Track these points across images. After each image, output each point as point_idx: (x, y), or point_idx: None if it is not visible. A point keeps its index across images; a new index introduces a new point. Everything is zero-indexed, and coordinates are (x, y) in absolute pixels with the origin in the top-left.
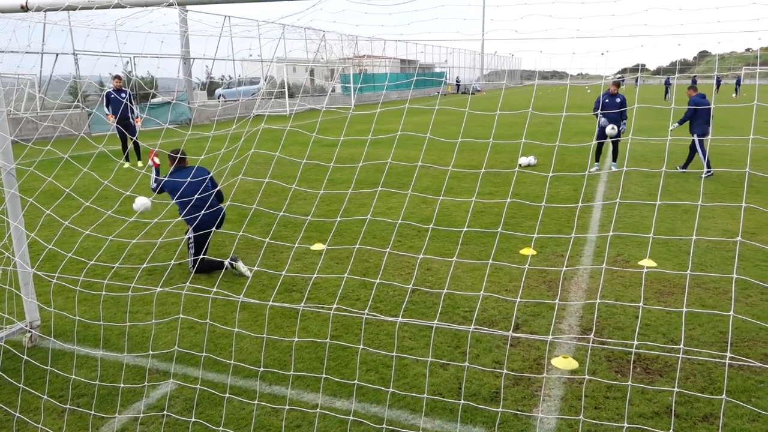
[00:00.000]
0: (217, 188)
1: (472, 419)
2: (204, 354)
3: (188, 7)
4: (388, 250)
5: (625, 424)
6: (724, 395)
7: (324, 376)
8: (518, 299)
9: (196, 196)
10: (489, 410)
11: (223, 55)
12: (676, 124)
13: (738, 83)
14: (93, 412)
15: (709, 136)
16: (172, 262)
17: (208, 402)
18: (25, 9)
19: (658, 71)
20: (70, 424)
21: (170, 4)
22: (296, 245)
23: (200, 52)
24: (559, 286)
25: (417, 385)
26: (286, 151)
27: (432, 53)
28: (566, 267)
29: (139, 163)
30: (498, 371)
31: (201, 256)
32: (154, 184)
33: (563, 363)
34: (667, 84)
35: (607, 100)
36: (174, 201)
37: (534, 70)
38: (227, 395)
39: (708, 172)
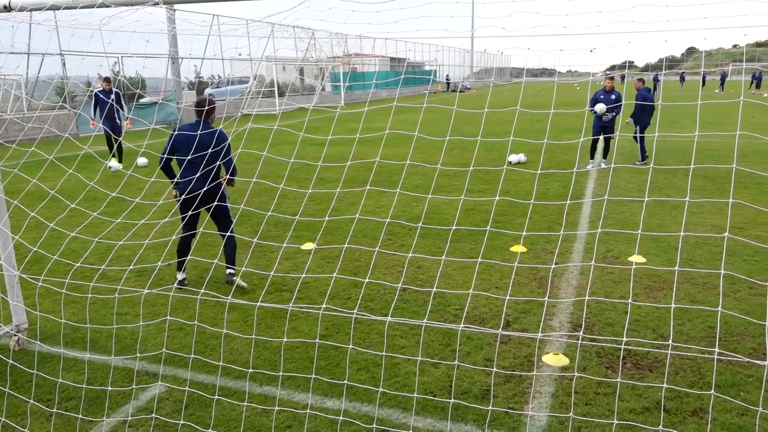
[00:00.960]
0: (229, 157)
1: (463, 417)
2: (192, 356)
3: (176, 6)
4: (377, 249)
5: (615, 421)
6: (713, 390)
7: (313, 376)
8: (507, 297)
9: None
10: (480, 408)
11: (212, 54)
12: (630, 119)
13: (723, 79)
14: (80, 416)
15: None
16: (159, 263)
17: (198, 404)
18: (8, 9)
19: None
20: (58, 428)
21: (155, 3)
22: (285, 245)
23: (189, 51)
24: (548, 283)
25: (408, 384)
26: (276, 151)
27: (422, 51)
28: (555, 264)
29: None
30: (489, 369)
31: (190, 232)
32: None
33: (554, 360)
34: (656, 80)
35: (602, 96)
36: (170, 156)
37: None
38: (216, 397)
39: (643, 161)
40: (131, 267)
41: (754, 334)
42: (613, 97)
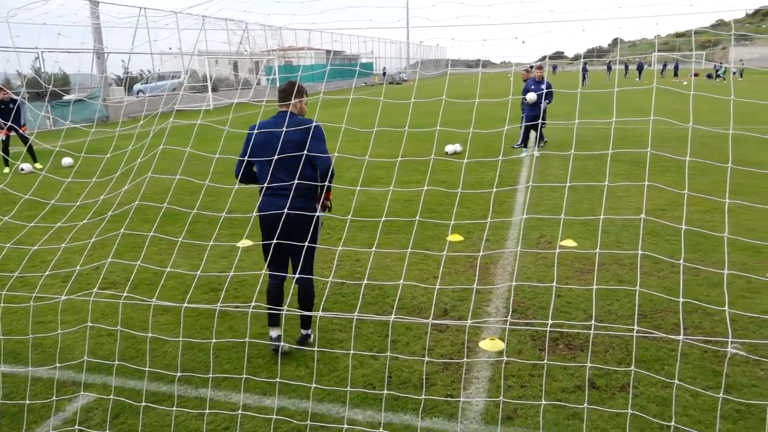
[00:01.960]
0: (327, 163)
1: (402, 407)
2: (116, 362)
3: None
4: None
5: (543, 402)
6: (633, 366)
7: (245, 376)
8: (437, 286)
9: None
10: (419, 398)
11: (141, 49)
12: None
13: (640, 68)
14: None
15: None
16: (78, 267)
17: (130, 411)
18: None
19: (576, 58)
20: None
21: None
22: (213, 242)
23: (116, 45)
24: (477, 271)
25: (347, 378)
26: (208, 147)
27: (358, 43)
28: (482, 252)
29: (38, 165)
30: (427, 359)
31: (281, 274)
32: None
33: (490, 345)
34: (584, 71)
35: (532, 87)
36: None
37: (458, 59)
38: (144, 403)
39: (520, 144)
40: (47, 272)
41: (676, 309)
42: (543, 86)
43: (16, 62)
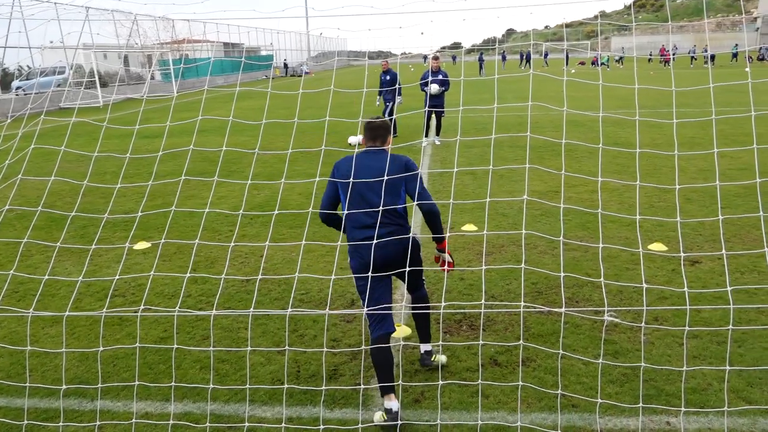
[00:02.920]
0: (427, 199)
1: (312, 400)
2: None
3: None
4: (215, 242)
5: (440, 382)
6: (521, 341)
7: (137, 383)
8: (332, 276)
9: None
10: (328, 389)
11: (17, 42)
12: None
13: (528, 57)
14: None
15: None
16: None
17: None
18: None
19: (472, 48)
20: None
21: None
22: (102, 245)
23: None
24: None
25: (255, 375)
26: (102, 146)
27: (257, 36)
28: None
29: None
30: (325, 349)
31: (387, 331)
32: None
33: (397, 331)
34: (481, 60)
35: (430, 77)
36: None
37: (360, 51)
38: (26, 422)
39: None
40: None
41: (568, 285)
42: (440, 77)
43: None
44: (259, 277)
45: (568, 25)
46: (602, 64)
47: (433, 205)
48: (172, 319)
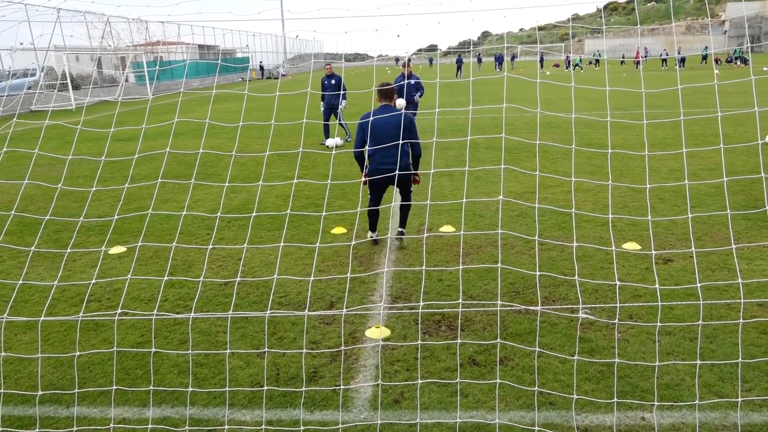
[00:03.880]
0: (416, 140)
1: (291, 402)
2: None
3: None
4: (192, 245)
5: (419, 381)
6: (498, 339)
7: (114, 387)
8: (311, 278)
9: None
10: (302, 391)
11: None
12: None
13: (500, 60)
14: None
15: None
16: None
17: None
18: None
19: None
20: None
21: None
22: (76, 250)
23: None
24: (349, 261)
25: (234, 379)
26: (74, 149)
27: (232, 38)
28: (354, 241)
29: None
30: (305, 350)
31: (374, 208)
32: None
33: (376, 333)
34: (459, 62)
35: (402, 81)
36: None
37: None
38: (0, 429)
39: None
40: None
41: (545, 284)
42: (412, 81)
43: None
44: (238, 279)
45: (541, 28)
46: (576, 65)
47: (419, 150)
48: (149, 324)
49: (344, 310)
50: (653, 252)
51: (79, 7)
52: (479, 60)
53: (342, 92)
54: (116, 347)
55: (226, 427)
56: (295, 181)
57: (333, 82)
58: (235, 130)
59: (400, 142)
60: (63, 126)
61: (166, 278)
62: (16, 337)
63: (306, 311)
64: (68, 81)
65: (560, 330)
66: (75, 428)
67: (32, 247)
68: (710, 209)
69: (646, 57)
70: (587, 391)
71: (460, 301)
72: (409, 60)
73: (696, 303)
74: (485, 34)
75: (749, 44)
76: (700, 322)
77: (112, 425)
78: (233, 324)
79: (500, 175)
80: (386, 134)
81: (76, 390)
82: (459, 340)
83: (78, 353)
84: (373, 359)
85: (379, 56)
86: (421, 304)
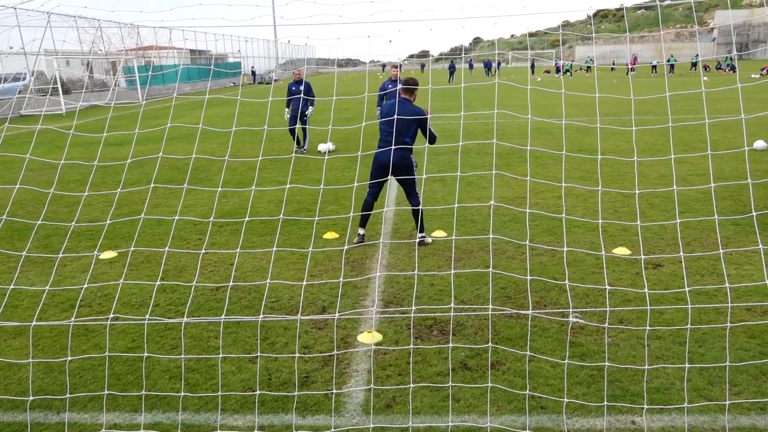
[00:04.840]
0: (430, 131)
1: (283, 407)
2: None
3: None
4: (184, 250)
5: (411, 385)
6: (489, 343)
7: (105, 393)
8: (303, 282)
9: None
10: (295, 396)
11: None
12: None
13: (488, 66)
14: None
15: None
16: None
17: None
18: None
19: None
20: None
21: None
22: (67, 255)
23: None
24: (343, 265)
25: (226, 384)
26: (64, 154)
27: (224, 43)
28: (347, 246)
29: None
30: (297, 355)
31: (370, 202)
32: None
33: (368, 337)
34: (452, 68)
35: (390, 86)
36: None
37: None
38: None
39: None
40: None
41: (535, 289)
42: (400, 85)
43: None
44: (230, 284)
45: (532, 35)
46: (566, 71)
47: (434, 139)
48: (141, 329)
49: (336, 314)
50: (643, 257)
51: (71, 12)
52: (470, 66)
53: (311, 98)
54: (107, 352)
55: None
56: (288, 186)
57: (301, 88)
58: (227, 135)
59: (398, 144)
60: (53, 130)
61: (157, 283)
62: (6, 343)
63: (298, 316)
64: (59, 85)
65: (551, 334)
66: None
67: (23, 252)
68: (699, 215)
69: (633, 67)
70: (578, 395)
71: (452, 305)
72: (399, 65)
73: (685, 307)
74: (477, 40)
75: (736, 52)
76: (689, 326)
77: (103, 431)
78: (225, 329)
79: (492, 181)
80: (394, 124)
81: (67, 395)
82: (451, 345)
83: (69, 358)
84: (365, 364)
85: (371, 62)
86: (413, 308)
